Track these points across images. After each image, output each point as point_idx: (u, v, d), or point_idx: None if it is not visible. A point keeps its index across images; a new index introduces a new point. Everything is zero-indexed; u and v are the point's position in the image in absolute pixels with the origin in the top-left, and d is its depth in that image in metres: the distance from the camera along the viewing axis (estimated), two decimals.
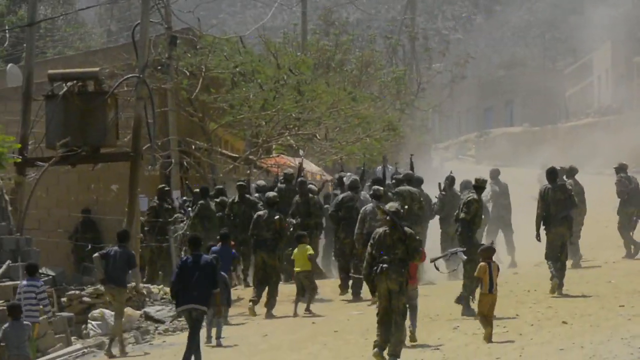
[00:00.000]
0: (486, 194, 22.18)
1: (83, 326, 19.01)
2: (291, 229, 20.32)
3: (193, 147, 27.50)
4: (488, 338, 14.17)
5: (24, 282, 16.74)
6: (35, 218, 25.42)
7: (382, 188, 19.90)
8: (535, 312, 16.14)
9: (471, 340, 14.35)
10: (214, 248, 18.40)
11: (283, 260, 20.13)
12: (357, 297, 19.84)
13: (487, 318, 14.32)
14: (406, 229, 13.42)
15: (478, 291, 14.79)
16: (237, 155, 29.90)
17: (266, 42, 32.46)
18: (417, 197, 20.72)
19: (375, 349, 13.26)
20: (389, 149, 35.91)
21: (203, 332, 15.76)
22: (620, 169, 23.79)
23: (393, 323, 13.22)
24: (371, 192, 19.64)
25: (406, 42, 53.72)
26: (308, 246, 19.23)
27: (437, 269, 16.95)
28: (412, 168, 23.30)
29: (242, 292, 21.29)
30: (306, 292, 19.03)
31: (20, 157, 21.28)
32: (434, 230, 22.55)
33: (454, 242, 22.57)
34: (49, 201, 26.52)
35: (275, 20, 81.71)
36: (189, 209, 22.72)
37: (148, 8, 23.12)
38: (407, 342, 14.15)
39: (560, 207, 18.47)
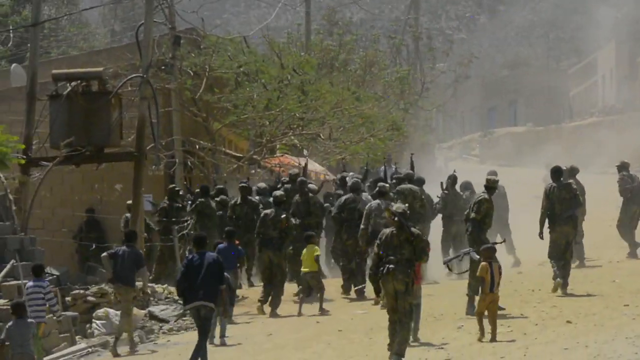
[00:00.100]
0: None
1: (87, 325, 19.02)
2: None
3: (197, 146, 27.50)
4: (488, 337, 14.19)
5: (30, 283, 16.76)
6: (40, 218, 25.47)
7: (387, 185, 19.95)
8: (539, 312, 16.13)
9: (475, 340, 14.34)
10: (220, 246, 18.39)
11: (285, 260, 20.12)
12: (361, 296, 19.86)
13: (491, 317, 14.33)
14: (413, 229, 13.48)
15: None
16: (241, 155, 29.91)
17: (270, 42, 32.46)
18: (419, 195, 20.71)
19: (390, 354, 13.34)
20: (393, 148, 35.92)
21: None
22: (623, 167, 23.77)
23: (398, 322, 13.27)
24: (376, 189, 19.69)
25: (410, 42, 53.70)
26: (316, 247, 19.28)
27: (451, 270, 16.98)
28: (412, 168, 23.29)
29: (246, 292, 21.30)
30: (313, 292, 19.06)
31: (25, 157, 21.30)
32: (435, 229, 22.54)
33: (455, 240, 22.70)
34: (53, 201, 26.53)
35: (279, 20, 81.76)
36: (189, 205, 22.78)
37: (152, 8, 23.14)
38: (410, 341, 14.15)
39: (565, 206, 18.47)
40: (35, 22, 22.71)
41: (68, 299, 19.54)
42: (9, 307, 15.91)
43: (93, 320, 19.02)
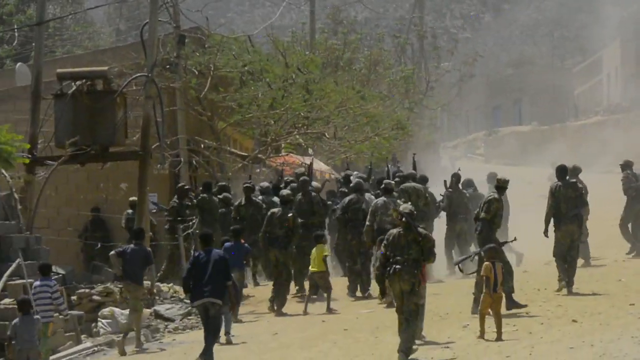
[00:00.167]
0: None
1: (93, 324, 19.05)
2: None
3: (202, 145, 27.50)
4: (491, 336, 14.18)
5: (37, 282, 16.78)
6: (45, 217, 25.48)
7: (393, 182, 19.98)
8: (545, 311, 16.12)
9: (481, 339, 14.34)
10: (226, 244, 18.39)
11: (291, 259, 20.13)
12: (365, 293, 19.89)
13: (496, 316, 14.33)
14: (420, 229, 13.48)
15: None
16: (246, 154, 29.90)
17: (274, 41, 32.45)
18: (423, 194, 20.72)
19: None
20: (398, 147, 35.91)
21: None
22: (626, 165, 23.73)
23: (404, 321, 13.27)
24: (382, 187, 19.72)
25: (415, 40, 53.67)
26: (325, 247, 19.29)
27: (462, 271, 16.95)
28: (414, 167, 23.29)
29: (252, 291, 21.30)
30: (319, 291, 19.07)
31: (30, 156, 21.30)
32: (438, 227, 22.54)
33: (459, 238, 22.72)
34: (59, 200, 26.54)
35: (284, 19, 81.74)
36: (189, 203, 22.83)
37: (156, 7, 23.13)
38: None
39: (570, 205, 18.44)
40: (40, 21, 22.71)
41: (73, 298, 19.57)
42: (15, 305, 15.94)
43: (98, 319, 19.04)
